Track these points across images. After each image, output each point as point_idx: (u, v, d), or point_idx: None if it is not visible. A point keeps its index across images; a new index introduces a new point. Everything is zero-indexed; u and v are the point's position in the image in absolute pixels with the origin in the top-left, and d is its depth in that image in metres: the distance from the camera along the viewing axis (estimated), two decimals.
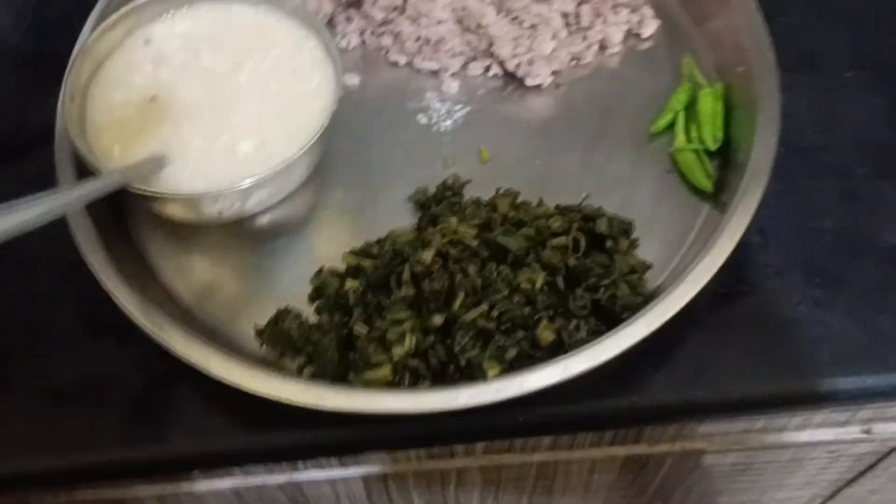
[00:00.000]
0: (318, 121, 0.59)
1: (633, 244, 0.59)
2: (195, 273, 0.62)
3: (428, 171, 0.65)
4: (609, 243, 0.58)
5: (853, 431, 0.69)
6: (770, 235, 0.62)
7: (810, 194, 0.64)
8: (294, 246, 0.63)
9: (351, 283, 0.55)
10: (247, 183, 0.56)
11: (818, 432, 0.68)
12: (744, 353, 0.58)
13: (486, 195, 0.63)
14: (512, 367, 0.53)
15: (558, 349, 0.53)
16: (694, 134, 0.64)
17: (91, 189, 0.52)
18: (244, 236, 0.63)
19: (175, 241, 0.63)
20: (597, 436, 0.61)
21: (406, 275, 0.54)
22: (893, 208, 0.63)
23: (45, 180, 0.60)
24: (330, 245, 0.63)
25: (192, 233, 0.63)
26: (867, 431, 0.70)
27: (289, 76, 0.62)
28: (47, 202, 0.48)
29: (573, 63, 0.70)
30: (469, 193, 0.64)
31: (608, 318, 0.55)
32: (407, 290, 0.54)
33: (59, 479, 0.57)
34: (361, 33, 0.72)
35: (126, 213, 0.64)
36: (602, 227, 0.58)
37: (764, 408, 0.58)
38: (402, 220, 0.63)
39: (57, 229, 0.53)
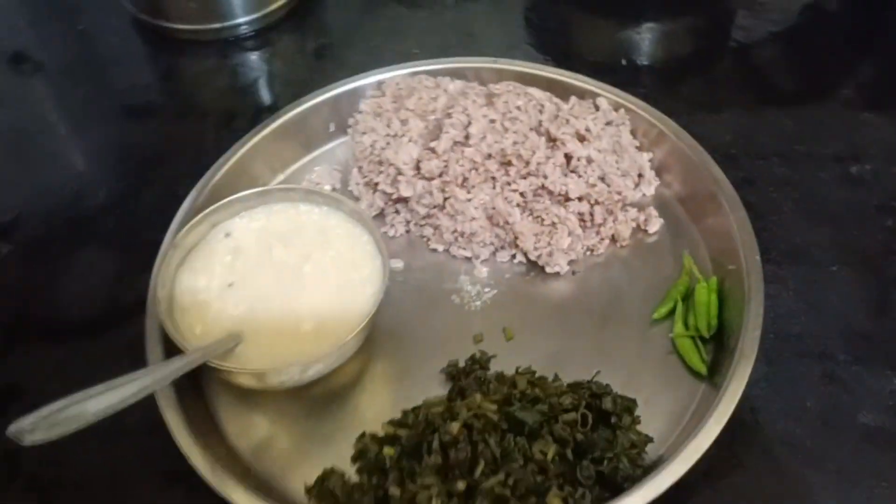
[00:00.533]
0: (368, 305, 0.71)
1: (636, 421, 0.68)
2: (256, 432, 0.72)
3: (459, 345, 0.76)
4: (614, 419, 0.67)
5: None
6: (759, 413, 0.70)
7: (795, 376, 0.73)
8: (341, 411, 0.73)
9: (388, 450, 0.65)
10: (308, 361, 0.66)
11: None
12: None
13: (509, 368, 0.73)
14: None
15: None
16: (691, 322, 0.74)
17: (178, 367, 0.63)
18: (299, 402, 0.73)
19: (241, 403, 0.73)
20: None
21: (436, 444, 0.64)
22: (870, 392, 0.71)
23: (134, 349, 0.72)
24: (372, 410, 0.73)
25: (255, 397, 0.73)
26: None
27: (346, 267, 0.74)
28: (141, 380, 0.59)
29: (587, 253, 0.81)
30: (495, 367, 0.74)
31: (611, 487, 0.63)
32: (436, 458, 0.63)
33: None
34: (407, 224, 0.84)
35: (201, 378, 0.74)
36: (608, 404, 0.67)
37: None
38: (436, 388, 0.73)
39: None
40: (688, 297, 0.76)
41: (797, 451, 0.69)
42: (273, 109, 0.93)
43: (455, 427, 0.64)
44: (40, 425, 0.53)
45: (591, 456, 0.64)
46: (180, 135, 0.99)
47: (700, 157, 0.82)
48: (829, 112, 0.96)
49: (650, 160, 0.86)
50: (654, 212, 0.83)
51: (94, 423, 0.55)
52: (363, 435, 0.68)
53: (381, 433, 0.67)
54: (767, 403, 0.71)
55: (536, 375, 0.71)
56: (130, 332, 0.74)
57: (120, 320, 0.79)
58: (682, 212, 0.84)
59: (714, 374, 0.71)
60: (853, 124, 0.93)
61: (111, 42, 1.13)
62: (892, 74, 1.01)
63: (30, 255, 0.86)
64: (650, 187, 0.85)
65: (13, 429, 0.52)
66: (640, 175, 0.85)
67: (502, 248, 0.82)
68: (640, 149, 0.86)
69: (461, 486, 0.62)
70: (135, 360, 0.70)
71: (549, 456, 0.63)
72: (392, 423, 0.67)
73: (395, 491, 0.63)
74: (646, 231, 0.83)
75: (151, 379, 0.60)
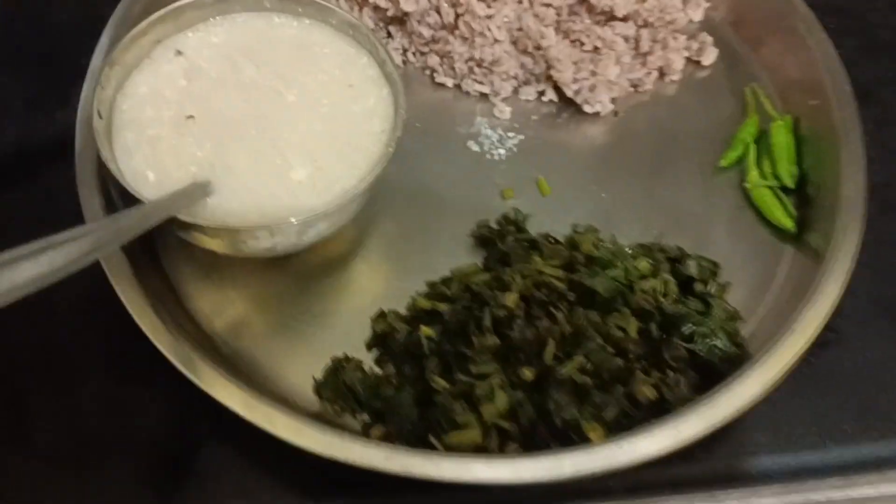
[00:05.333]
0: (378, 145, 0.54)
1: (724, 288, 0.55)
2: (231, 313, 0.55)
3: (484, 201, 0.61)
4: (698, 286, 0.53)
5: None
6: (853, 278, 0.58)
7: (886, 234, 0.61)
8: (338, 285, 0.57)
9: (426, 330, 0.49)
10: (308, 218, 0.49)
11: None
12: (836, 408, 0.54)
13: (550, 230, 0.58)
14: (610, 427, 0.47)
15: (657, 405, 0.48)
16: (768, 169, 0.61)
17: (133, 222, 0.44)
18: (283, 274, 0.57)
19: (208, 277, 0.56)
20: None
21: (487, 321, 0.49)
22: None
23: (56, 205, 0.54)
24: (379, 284, 0.58)
25: (227, 270, 0.57)
26: None
27: (343, 94, 0.56)
28: (87, 238, 0.40)
29: (631, 90, 0.66)
30: (532, 228, 0.59)
31: (705, 370, 0.50)
32: (491, 339, 0.48)
33: None
34: (404, 51, 0.66)
35: (157, 245, 0.56)
36: (692, 269, 0.54)
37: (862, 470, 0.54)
38: (462, 257, 0.58)
39: None
40: (760, 139, 0.63)
41: None
42: None
43: (511, 298, 0.49)
44: None
45: (681, 332, 0.50)
46: None
47: None
48: None
49: None
50: (708, 38, 0.68)
51: (26, 295, 0.37)
52: (383, 314, 0.53)
53: (403, 309, 0.52)
54: (860, 267, 0.59)
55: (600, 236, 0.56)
56: (48, 183, 0.55)
57: (33, 168, 0.59)
58: (738, 39, 0.69)
59: (803, 233, 0.58)
60: None
61: None
62: None
63: None
64: (698, 10, 0.69)
65: None
66: None
67: (527, 82, 0.65)
68: None
69: (529, 374, 0.48)
70: (61, 217, 0.51)
71: (631, 333, 0.50)
72: (428, 295, 0.52)
73: (440, 382, 0.48)
74: (699, 63, 0.68)
75: (100, 236, 0.41)
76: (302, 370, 0.52)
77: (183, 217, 0.47)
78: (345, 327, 0.54)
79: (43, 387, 0.52)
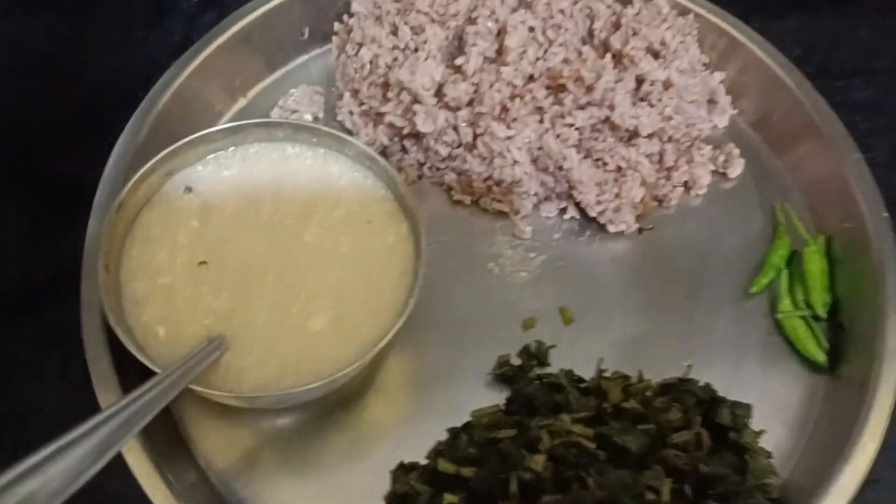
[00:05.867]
0: (398, 289, 0.52)
1: (759, 434, 0.52)
2: (234, 452, 0.53)
3: (505, 330, 0.59)
4: (732, 435, 0.51)
5: None
6: None
7: None
8: (351, 424, 0.55)
9: (449, 498, 0.47)
10: (332, 380, 0.47)
11: None
12: None
13: (574, 361, 0.56)
14: None
15: None
16: (800, 297, 0.59)
17: (145, 405, 0.42)
18: (293, 412, 0.54)
19: (213, 412, 0.54)
20: None
21: (514, 487, 0.47)
22: None
23: (63, 342, 0.53)
24: (398, 424, 0.55)
25: (240, 411, 0.54)
26: None
27: (361, 232, 0.54)
28: (92, 439, 0.38)
29: (655, 204, 0.64)
30: (555, 360, 0.57)
31: None
32: None
33: None
34: (420, 167, 0.64)
35: None
36: (725, 417, 0.51)
37: None
38: (481, 391, 0.56)
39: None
40: (791, 261, 0.60)
41: None
42: (221, 5, 0.70)
43: (539, 461, 0.47)
44: None
45: (716, 491, 0.48)
46: (95, 37, 0.73)
47: (790, 74, 0.65)
48: None
49: (721, 81, 0.68)
50: (735, 150, 0.66)
51: None
52: (403, 469, 0.50)
53: (429, 459, 0.50)
54: None
55: (630, 380, 0.54)
56: (58, 316, 0.54)
57: (41, 301, 0.57)
58: (766, 148, 0.67)
59: (836, 365, 0.56)
60: None
61: None
62: None
63: None
64: (723, 117, 0.67)
65: None
66: (709, 101, 0.67)
67: (548, 198, 0.63)
68: (706, 66, 0.68)
69: None
70: (68, 357, 0.50)
71: (665, 495, 0.47)
72: (451, 459, 0.49)
73: None
74: (724, 174, 0.66)
75: (111, 430, 0.39)
76: None
77: (197, 388, 0.45)
78: (353, 471, 0.53)
79: None
